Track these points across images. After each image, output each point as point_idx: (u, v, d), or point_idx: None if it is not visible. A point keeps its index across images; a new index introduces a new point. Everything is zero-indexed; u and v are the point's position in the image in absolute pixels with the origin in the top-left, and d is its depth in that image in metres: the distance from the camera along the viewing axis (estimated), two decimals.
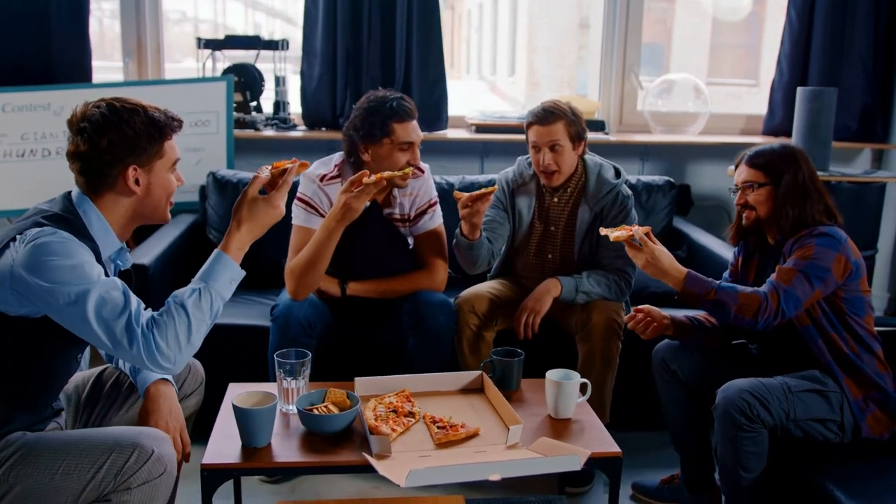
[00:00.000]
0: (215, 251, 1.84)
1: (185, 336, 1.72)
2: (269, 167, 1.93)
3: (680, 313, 2.47)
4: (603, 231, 2.35)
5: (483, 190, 2.53)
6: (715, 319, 2.42)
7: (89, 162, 1.76)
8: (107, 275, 1.76)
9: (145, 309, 1.73)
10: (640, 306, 2.40)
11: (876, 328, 2.29)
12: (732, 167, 2.42)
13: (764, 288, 2.18)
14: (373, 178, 2.42)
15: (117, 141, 1.74)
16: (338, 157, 2.77)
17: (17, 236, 1.68)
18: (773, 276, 2.20)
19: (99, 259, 1.75)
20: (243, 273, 1.85)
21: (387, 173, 2.48)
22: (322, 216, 2.62)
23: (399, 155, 2.62)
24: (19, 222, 1.74)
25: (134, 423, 1.95)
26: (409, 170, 2.55)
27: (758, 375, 2.20)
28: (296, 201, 2.69)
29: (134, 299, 1.71)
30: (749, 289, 2.21)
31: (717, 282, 2.24)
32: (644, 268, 2.28)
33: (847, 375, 2.20)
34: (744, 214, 2.36)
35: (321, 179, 2.70)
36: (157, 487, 1.70)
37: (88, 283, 1.65)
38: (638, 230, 2.27)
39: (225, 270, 1.81)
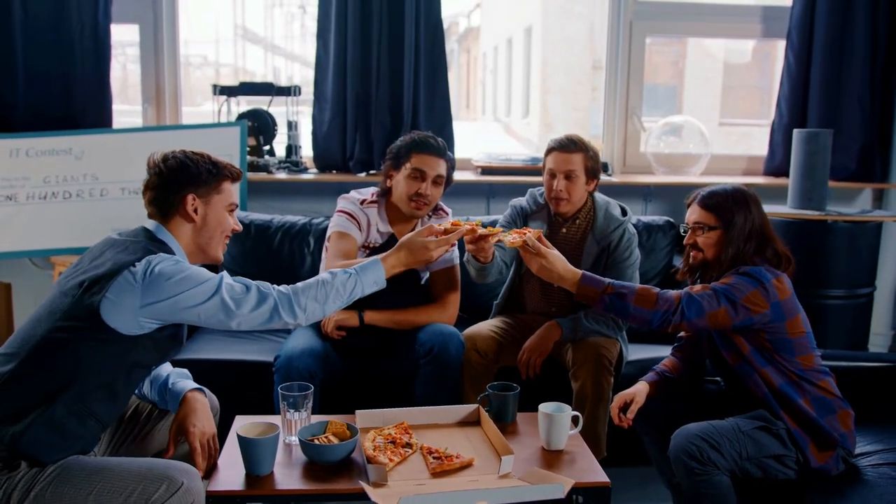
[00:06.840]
0: (376, 257, 2.17)
1: (323, 297, 2.04)
2: (450, 223, 2.32)
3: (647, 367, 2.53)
4: (496, 239, 2.44)
5: (489, 230, 2.54)
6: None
7: (156, 190, 2.04)
8: None
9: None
10: (617, 405, 2.42)
11: (826, 363, 2.34)
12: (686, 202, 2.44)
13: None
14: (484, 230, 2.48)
15: (179, 172, 2.03)
16: (373, 188, 3.00)
17: (125, 272, 1.86)
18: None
19: None
20: (385, 284, 2.16)
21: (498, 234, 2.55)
22: (360, 230, 2.87)
23: (409, 182, 2.81)
24: (114, 256, 1.92)
25: (153, 454, 2.12)
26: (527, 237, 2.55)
27: (723, 412, 2.25)
28: (338, 213, 2.92)
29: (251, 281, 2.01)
30: (647, 285, 2.29)
31: (612, 280, 2.30)
32: (538, 272, 2.33)
33: (784, 408, 2.24)
34: (691, 254, 2.39)
35: (361, 203, 2.92)
36: None
37: (209, 278, 1.94)
38: (530, 235, 2.33)
39: (376, 273, 2.13)
